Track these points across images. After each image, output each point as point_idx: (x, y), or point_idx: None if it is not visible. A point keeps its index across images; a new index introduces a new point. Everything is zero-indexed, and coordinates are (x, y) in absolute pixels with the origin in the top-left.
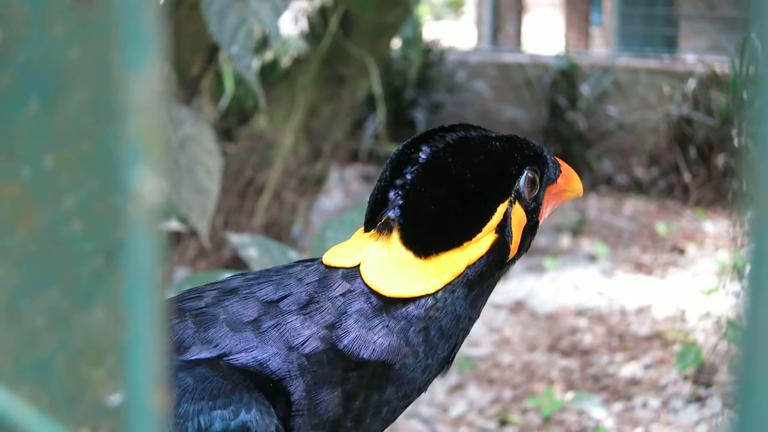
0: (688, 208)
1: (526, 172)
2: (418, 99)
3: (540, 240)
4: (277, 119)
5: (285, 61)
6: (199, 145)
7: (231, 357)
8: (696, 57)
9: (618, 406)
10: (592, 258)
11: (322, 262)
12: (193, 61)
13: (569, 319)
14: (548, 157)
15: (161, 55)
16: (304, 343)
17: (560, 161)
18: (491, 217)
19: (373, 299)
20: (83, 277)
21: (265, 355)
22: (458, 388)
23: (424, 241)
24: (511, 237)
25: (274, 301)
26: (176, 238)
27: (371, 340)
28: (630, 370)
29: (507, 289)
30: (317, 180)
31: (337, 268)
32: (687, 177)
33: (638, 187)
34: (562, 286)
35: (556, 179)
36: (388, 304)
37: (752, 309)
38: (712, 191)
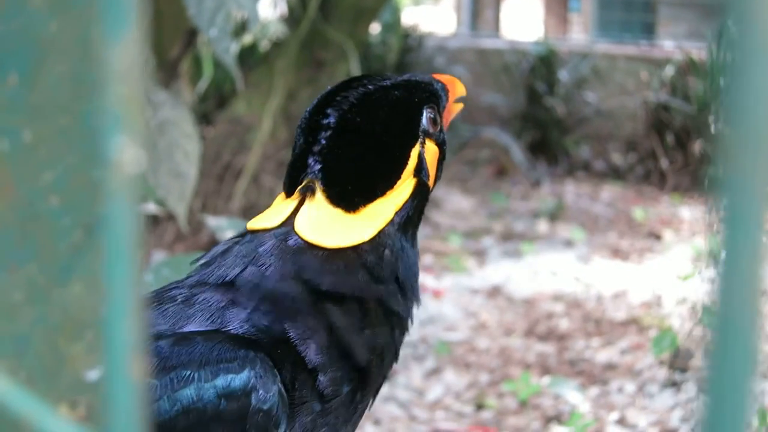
0: (665, 194)
1: (425, 113)
2: None
3: (517, 225)
4: (255, 103)
5: (264, 45)
6: (178, 129)
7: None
8: (674, 43)
9: (594, 391)
10: (568, 243)
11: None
12: (172, 45)
13: (546, 304)
14: (438, 86)
15: (141, 23)
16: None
17: (438, 76)
18: (407, 164)
19: (318, 251)
20: (62, 251)
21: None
22: (435, 372)
23: (350, 197)
24: (428, 174)
25: (231, 282)
26: (154, 221)
27: (334, 281)
28: (606, 355)
29: (484, 274)
30: None
31: (266, 231)
32: (664, 163)
33: (615, 173)
34: (539, 271)
35: (447, 101)
36: (332, 255)
37: (724, 295)
38: (688, 177)
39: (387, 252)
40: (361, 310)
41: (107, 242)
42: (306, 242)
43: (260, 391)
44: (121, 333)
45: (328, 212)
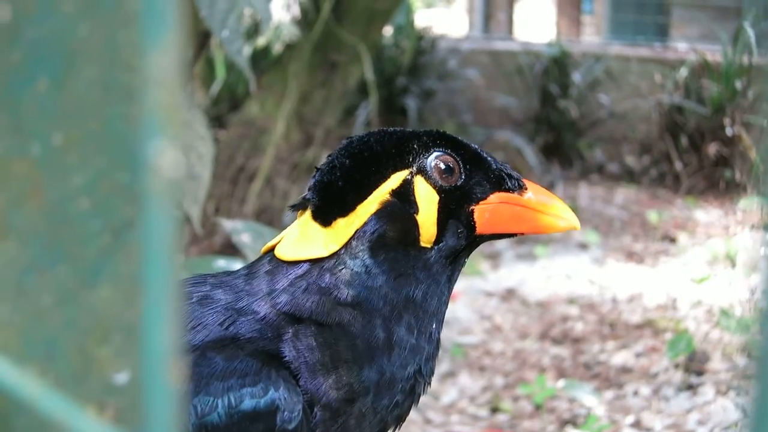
0: (679, 196)
1: (434, 153)
2: (409, 86)
3: None
4: (268, 106)
5: (277, 48)
6: (192, 132)
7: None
8: (688, 45)
9: (609, 394)
10: (583, 246)
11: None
12: (185, 47)
13: (560, 307)
14: (491, 161)
15: (180, 27)
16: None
17: (532, 184)
18: (383, 182)
19: (289, 270)
20: (91, 254)
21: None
22: (450, 375)
23: (327, 211)
24: (417, 209)
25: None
26: None
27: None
28: (621, 358)
29: (498, 277)
30: (309, 166)
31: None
32: (678, 165)
33: (629, 176)
34: (554, 274)
35: (511, 190)
36: (301, 276)
37: None
38: (703, 180)
39: (344, 271)
40: (321, 336)
41: (144, 246)
42: (278, 259)
43: (285, 412)
44: (156, 337)
45: (308, 227)
